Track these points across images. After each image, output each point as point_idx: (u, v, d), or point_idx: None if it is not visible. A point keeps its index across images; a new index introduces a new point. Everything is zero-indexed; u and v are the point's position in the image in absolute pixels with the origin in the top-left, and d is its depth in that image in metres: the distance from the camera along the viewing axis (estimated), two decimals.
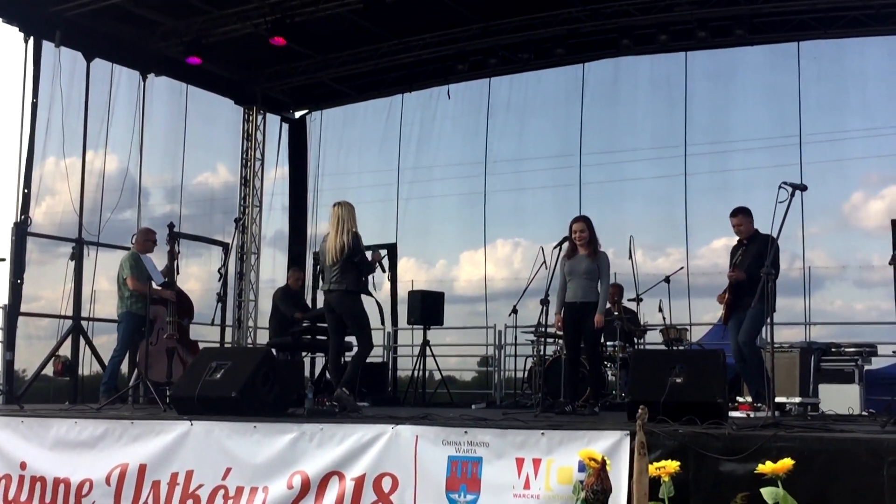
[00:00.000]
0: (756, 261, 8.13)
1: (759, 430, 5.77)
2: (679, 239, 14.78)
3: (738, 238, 9.35)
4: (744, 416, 8.17)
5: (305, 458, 6.78)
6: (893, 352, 12.27)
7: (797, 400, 9.50)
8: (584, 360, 9.94)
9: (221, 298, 10.77)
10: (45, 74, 12.73)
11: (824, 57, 13.88)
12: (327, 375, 12.09)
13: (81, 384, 12.43)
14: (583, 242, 9.25)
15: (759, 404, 8.59)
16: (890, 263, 8.78)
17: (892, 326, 12.55)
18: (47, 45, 12.77)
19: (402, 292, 15.61)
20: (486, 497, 6.11)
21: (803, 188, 7.30)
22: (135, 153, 14.28)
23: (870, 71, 13.91)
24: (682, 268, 13.16)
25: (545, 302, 8.98)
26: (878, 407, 10.49)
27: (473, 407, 11.94)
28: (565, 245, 9.32)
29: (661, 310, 12.12)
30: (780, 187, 7.17)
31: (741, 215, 9.18)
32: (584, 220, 9.37)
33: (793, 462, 5.01)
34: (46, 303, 13.30)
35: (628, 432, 5.72)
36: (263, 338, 14.86)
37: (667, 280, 12.30)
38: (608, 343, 11.61)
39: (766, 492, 4.98)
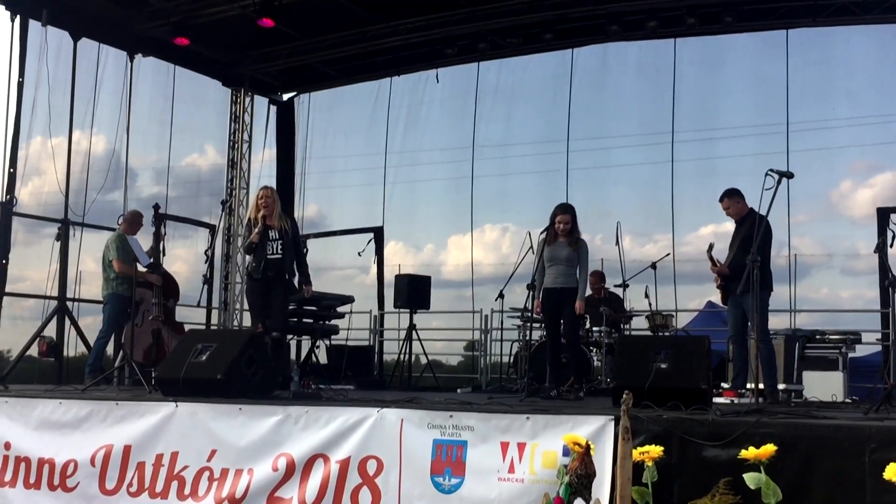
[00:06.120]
0: (743, 245, 8.04)
1: (743, 417, 5.79)
2: (666, 225, 14.79)
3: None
4: (728, 402, 8.21)
5: (290, 440, 6.77)
6: (877, 339, 12.36)
7: (781, 386, 9.55)
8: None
9: (207, 280, 10.77)
10: (31, 53, 12.64)
11: (812, 45, 13.89)
12: (313, 358, 12.11)
13: (66, 365, 12.40)
14: (565, 232, 9.20)
15: (742, 390, 8.63)
16: (875, 251, 8.78)
17: (877, 314, 12.63)
18: (34, 24, 12.66)
19: (389, 276, 15.57)
20: (470, 480, 6.11)
21: (790, 175, 7.30)
22: (122, 134, 14.23)
23: (857, 59, 13.92)
24: (668, 254, 13.18)
25: (532, 287, 8.98)
26: (862, 394, 10.58)
27: (459, 391, 11.96)
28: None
29: (647, 296, 12.19)
30: (766, 175, 7.18)
31: (727, 198, 8.92)
32: (569, 211, 9.22)
33: (775, 448, 5.04)
34: (32, 283, 13.27)
35: (613, 417, 5.73)
36: (250, 320, 14.84)
37: (653, 266, 12.35)
38: (594, 329, 11.65)
39: (748, 477, 5.01)
